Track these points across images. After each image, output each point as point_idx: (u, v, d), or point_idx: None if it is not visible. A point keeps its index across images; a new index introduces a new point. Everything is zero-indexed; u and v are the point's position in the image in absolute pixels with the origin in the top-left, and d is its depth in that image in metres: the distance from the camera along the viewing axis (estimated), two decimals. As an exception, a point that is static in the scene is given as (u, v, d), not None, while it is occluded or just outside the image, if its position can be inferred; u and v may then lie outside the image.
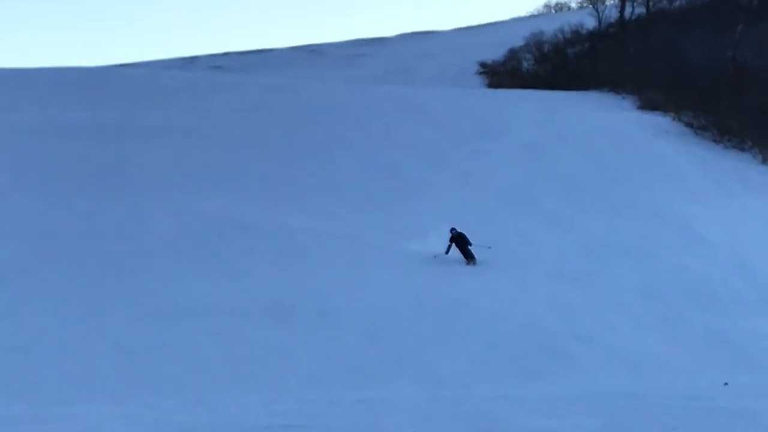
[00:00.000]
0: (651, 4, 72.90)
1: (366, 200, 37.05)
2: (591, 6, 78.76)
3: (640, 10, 73.49)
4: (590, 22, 74.28)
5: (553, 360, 24.35)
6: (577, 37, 73.41)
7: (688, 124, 50.72)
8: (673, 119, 51.42)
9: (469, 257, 32.49)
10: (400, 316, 27.00)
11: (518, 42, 73.51)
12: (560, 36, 72.97)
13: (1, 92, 48.72)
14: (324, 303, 27.79)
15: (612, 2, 78.33)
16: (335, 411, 18.15)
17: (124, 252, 30.82)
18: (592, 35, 73.12)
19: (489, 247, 32.51)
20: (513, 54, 72.21)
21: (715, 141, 48.58)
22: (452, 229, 32.99)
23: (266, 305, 27.42)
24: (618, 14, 73.59)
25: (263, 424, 16.05)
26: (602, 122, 49.35)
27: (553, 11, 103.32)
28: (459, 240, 32.70)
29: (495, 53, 72.68)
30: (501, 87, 64.57)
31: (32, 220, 33.11)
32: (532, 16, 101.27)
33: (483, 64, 71.39)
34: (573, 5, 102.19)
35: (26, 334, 24.93)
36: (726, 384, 20.46)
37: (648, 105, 54.25)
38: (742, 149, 47.98)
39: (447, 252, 32.32)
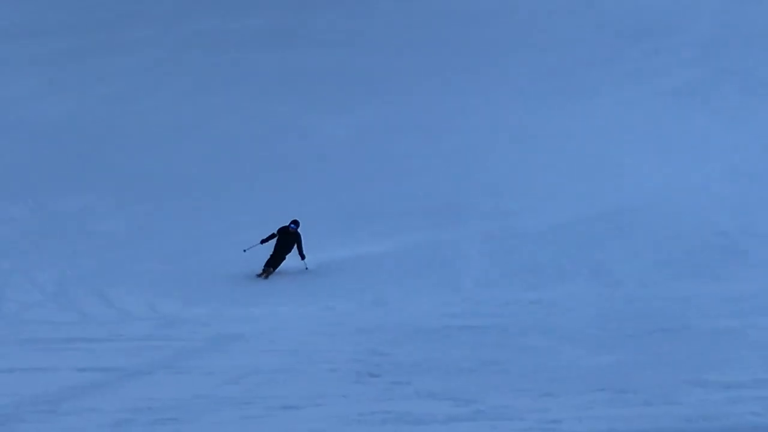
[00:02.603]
0: None
1: (531, 100, 36.80)
2: None
3: None
4: None
5: (730, 259, 23.78)
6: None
7: None
8: None
9: (268, 267, 23.46)
10: (574, 218, 26.82)
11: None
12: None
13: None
14: (497, 205, 27.88)
15: None
16: (510, 311, 18.27)
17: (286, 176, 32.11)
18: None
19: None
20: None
21: None
22: (293, 223, 24.04)
23: (435, 208, 27.68)
24: None
25: (440, 324, 16.29)
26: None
27: None
28: (283, 240, 23.78)
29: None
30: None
31: (213, 120, 35.18)
32: None
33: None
34: None
35: (200, 245, 25.84)
36: None
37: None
38: None
39: (262, 242, 23.96)
